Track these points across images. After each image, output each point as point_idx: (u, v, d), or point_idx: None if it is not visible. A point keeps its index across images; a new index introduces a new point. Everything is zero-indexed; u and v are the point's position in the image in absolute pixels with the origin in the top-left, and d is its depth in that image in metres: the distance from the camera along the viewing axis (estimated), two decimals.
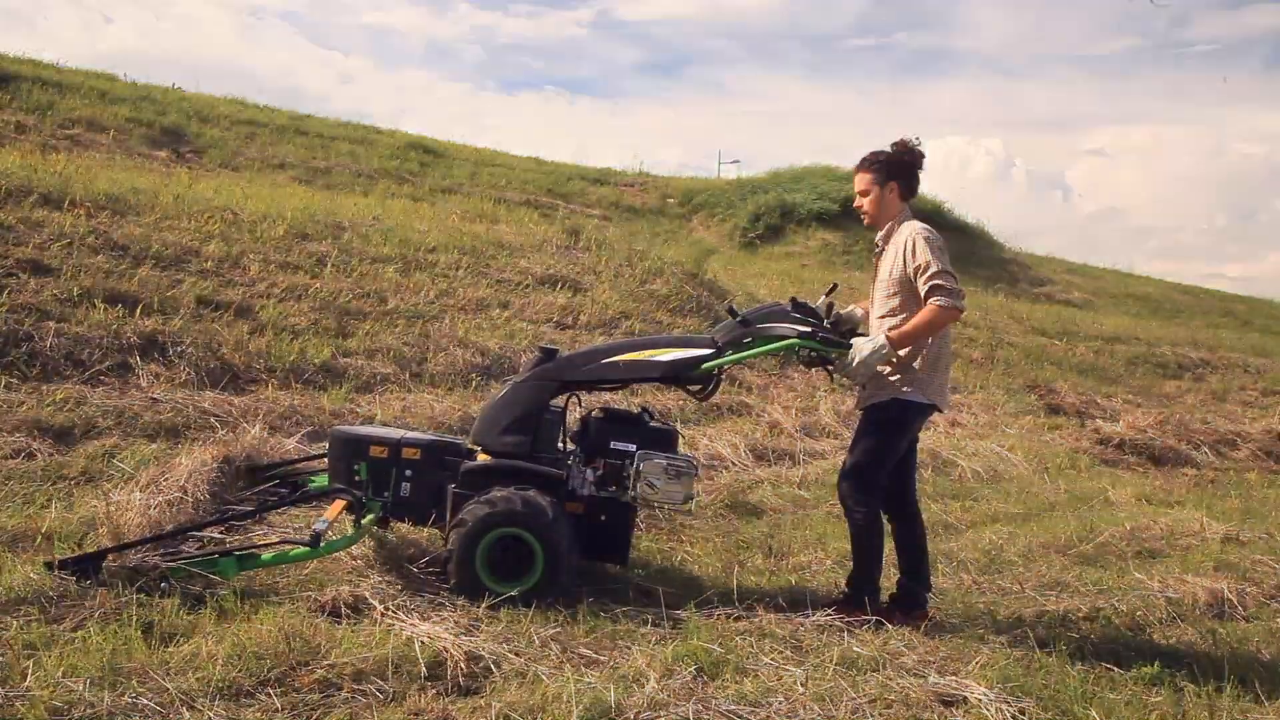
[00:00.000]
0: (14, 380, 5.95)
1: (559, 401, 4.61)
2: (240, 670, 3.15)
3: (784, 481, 7.09)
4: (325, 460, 4.77)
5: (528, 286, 10.50)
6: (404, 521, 4.55)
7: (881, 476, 4.40)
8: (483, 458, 4.45)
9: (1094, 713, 3.44)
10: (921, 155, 4.52)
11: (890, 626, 4.15)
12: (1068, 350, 14.87)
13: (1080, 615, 4.77)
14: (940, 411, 4.51)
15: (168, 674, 3.09)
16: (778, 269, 18.48)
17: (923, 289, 4.21)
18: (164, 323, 7.03)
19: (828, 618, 4.17)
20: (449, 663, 3.35)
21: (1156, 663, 3.96)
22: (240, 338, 7.25)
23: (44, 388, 5.93)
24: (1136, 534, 6.24)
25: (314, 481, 4.88)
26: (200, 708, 2.94)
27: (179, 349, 6.79)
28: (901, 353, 4.29)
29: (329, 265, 9.29)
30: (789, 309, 4.45)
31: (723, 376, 4.62)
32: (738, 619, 4.13)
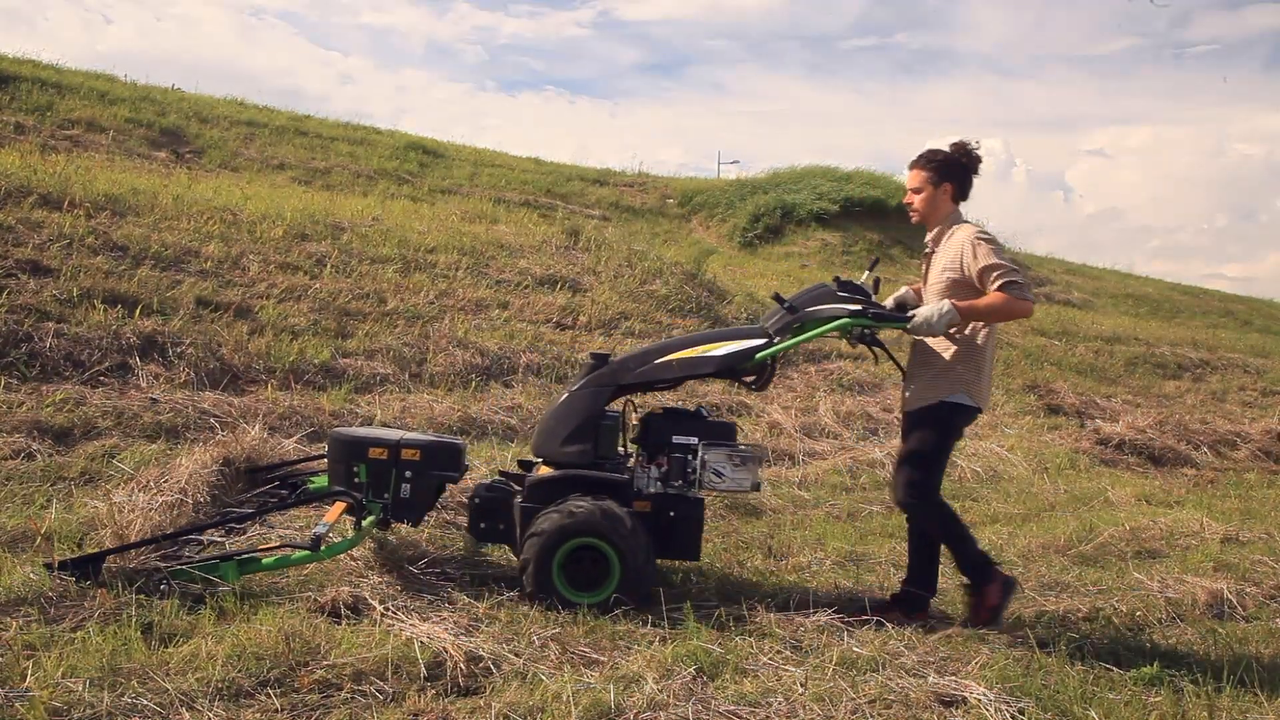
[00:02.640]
0: (13, 381, 5.96)
1: (615, 406, 4.61)
2: (240, 671, 3.15)
3: (784, 481, 7.10)
4: (325, 461, 4.77)
5: (527, 287, 10.51)
6: (404, 523, 4.55)
7: (937, 480, 4.40)
8: (544, 470, 4.47)
9: (1093, 713, 3.43)
10: (979, 159, 4.47)
11: (890, 627, 4.15)
12: (1067, 350, 14.87)
13: (1080, 615, 4.77)
14: (980, 412, 4.50)
15: (167, 674, 3.09)
16: (777, 269, 18.48)
17: (993, 285, 4.17)
18: (163, 323, 7.04)
19: (965, 629, 4.22)
20: (449, 663, 3.35)
21: (1156, 663, 3.95)
22: (240, 338, 7.26)
23: (43, 388, 5.94)
24: (1136, 534, 6.24)
25: (314, 483, 4.89)
26: (200, 708, 2.94)
27: (178, 350, 6.80)
28: (947, 356, 4.30)
29: (328, 266, 9.30)
30: (835, 289, 4.44)
31: (776, 366, 4.62)
32: (737, 619, 4.13)
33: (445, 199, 17.59)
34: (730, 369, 4.47)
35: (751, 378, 4.59)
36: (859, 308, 4.32)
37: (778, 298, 4.49)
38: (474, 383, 7.90)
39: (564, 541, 4.12)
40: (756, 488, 4.48)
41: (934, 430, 4.36)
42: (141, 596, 3.62)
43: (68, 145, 14.40)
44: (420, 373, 7.87)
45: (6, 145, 12.67)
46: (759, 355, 4.39)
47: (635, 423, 4.72)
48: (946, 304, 4.17)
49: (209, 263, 8.42)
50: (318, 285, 8.77)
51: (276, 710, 3.02)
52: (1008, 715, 3.32)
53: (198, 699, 2.99)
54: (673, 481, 4.44)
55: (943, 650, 3.96)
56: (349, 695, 3.15)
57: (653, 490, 4.44)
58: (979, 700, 3.39)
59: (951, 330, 4.27)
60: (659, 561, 4.46)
